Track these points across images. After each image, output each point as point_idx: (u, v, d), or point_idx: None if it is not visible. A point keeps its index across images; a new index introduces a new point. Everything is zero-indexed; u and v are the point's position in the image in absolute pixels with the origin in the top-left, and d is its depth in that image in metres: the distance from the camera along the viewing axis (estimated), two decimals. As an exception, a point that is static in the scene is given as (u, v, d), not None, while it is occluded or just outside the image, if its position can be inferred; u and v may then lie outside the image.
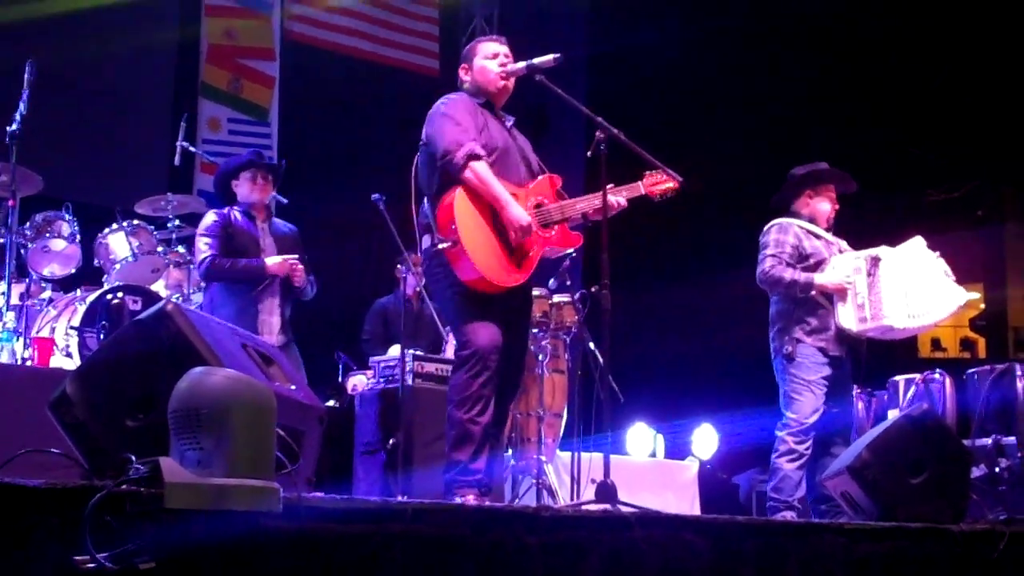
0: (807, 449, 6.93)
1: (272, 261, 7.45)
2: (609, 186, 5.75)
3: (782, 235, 7.17)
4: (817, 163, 7.43)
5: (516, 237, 5.62)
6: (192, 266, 8.41)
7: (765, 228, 7.27)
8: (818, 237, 7.23)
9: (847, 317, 6.98)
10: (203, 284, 7.98)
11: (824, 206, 7.30)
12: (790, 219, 7.27)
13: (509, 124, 6.02)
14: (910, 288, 6.97)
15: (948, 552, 5.39)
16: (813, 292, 7.03)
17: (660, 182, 6.10)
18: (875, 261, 6.98)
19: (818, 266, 7.11)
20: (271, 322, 7.45)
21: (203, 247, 7.46)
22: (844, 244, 7.32)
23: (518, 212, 5.61)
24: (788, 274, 7.03)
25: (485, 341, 5.61)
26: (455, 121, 5.71)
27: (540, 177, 5.97)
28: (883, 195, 19.99)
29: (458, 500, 5.36)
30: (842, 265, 7.08)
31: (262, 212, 7.71)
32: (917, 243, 7.12)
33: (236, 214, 7.60)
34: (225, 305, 7.38)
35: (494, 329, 5.66)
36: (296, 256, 7.54)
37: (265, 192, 7.70)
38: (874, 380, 9.89)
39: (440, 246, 5.55)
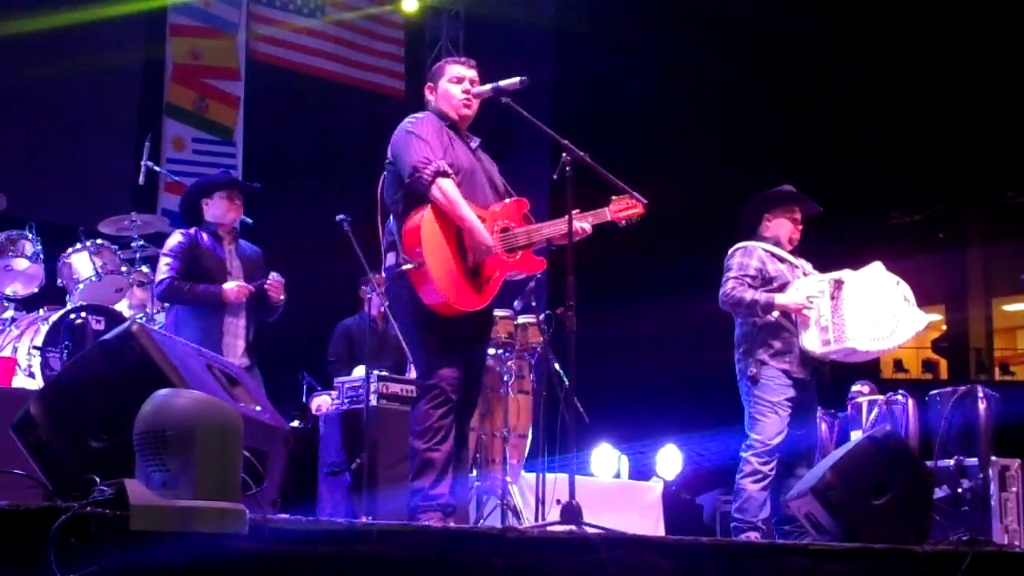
0: (771, 470, 6.95)
1: (229, 287, 7.31)
2: (575, 211, 5.77)
3: (746, 258, 7.19)
4: (779, 187, 7.46)
5: (475, 259, 5.61)
6: (156, 286, 8.37)
7: (730, 251, 7.29)
8: (782, 260, 7.24)
9: (810, 339, 7.00)
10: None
11: (783, 228, 7.31)
12: (755, 242, 7.29)
13: (475, 146, 6.01)
14: (872, 311, 7.00)
15: (911, 573, 5.41)
16: (775, 313, 7.05)
17: (626, 208, 6.09)
18: (838, 284, 7.00)
19: (782, 289, 7.13)
20: (236, 344, 7.36)
21: (163, 268, 7.34)
22: (809, 267, 7.34)
23: (482, 236, 5.61)
24: (749, 295, 7.05)
25: (447, 373, 5.61)
26: (422, 139, 5.67)
27: (508, 201, 5.94)
28: (846, 217, 20.12)
29: (424, 522, 5.35)
30: (805, 287, 7.10)
31: (230, 234, 7.62)
32: (877, 268, 7.15)
33: (203, 235, 7.49)
34: (189, 326, 7.26)
35: (457, 358, 5.66)
36: (258, 283, 7.45)
37: (238, 213, 7.64)
38: (837, 400, 9.95)
39: (405, 267, 5.53)
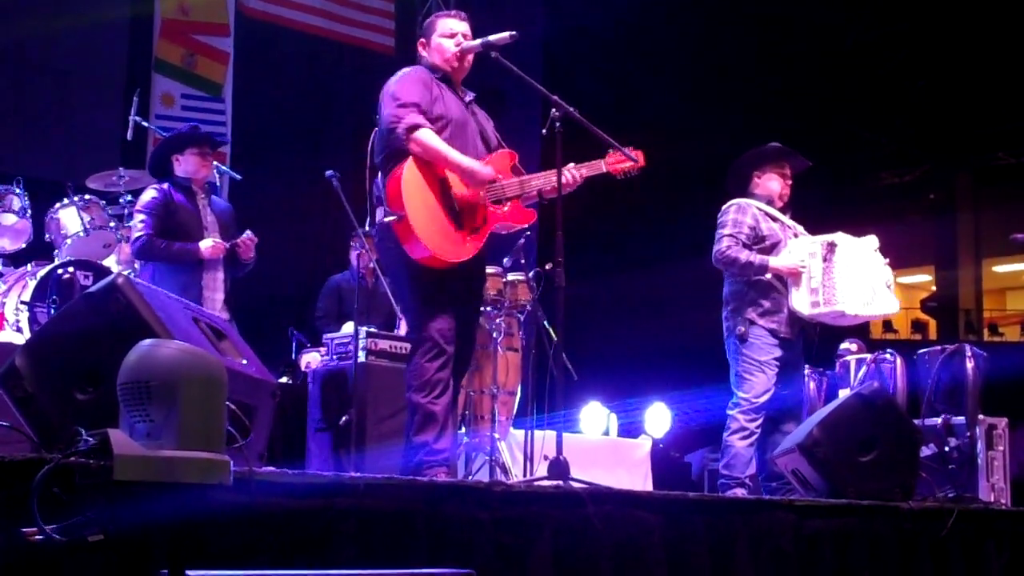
0: (758, 427, 6.98)
1: (205, 245, 7.27)
2: (571, 164, 5.75)
3: (740, 215, 7.18)
4: (768, 144, 7.45)
5: (466, 198, 5.60)
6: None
7: (723, 208, 7.28)
8: (775, 220, 7.25)
9: (800, 301, 7.02)
10: (138, 262, 7.86)
11: (774, 184, 7.31)
12: (749, 200, 7.28)
13: (468, 99, 5.99)
14: (862, 277, 7.02)
15: (897, 529, 5.45)
16: (768, 275, 7.05)
17: (623, 159, 6.07)
18: (831, 247, 7.01)
19: (773, 248, 7.14)
20: (215, 299, 7.32)
21: (139, 225, 7.28)
22: (800, 228, 7.34)
23: (476, 166, 5.62)
24: (744, 255, 7.05)
25: (440, 325, 5.60)
26: (395, 97, 5.66)
27: (494, 153, 5.94)
28: (837, 178, 20.13)
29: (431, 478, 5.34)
30: (798, 249, 7.11)
31: (202, 188, 7.55)
32: (872, 241, 7.16)
33: (176, 191, 7.41)
34: (167, 282, 7.15)
35: (448, 311, 5.65)
36: (234, 241, 7.42)
37: (210, 169, 7.59)
38: (826, 360, 9.97)
39: (387, 219, 5.51)
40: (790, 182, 7.37)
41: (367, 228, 6.25)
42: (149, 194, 7.39)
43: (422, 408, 5.57)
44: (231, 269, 7.49)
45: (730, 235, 7.13)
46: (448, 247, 5.57)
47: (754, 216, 7.18)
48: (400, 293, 6.04)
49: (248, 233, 7.47)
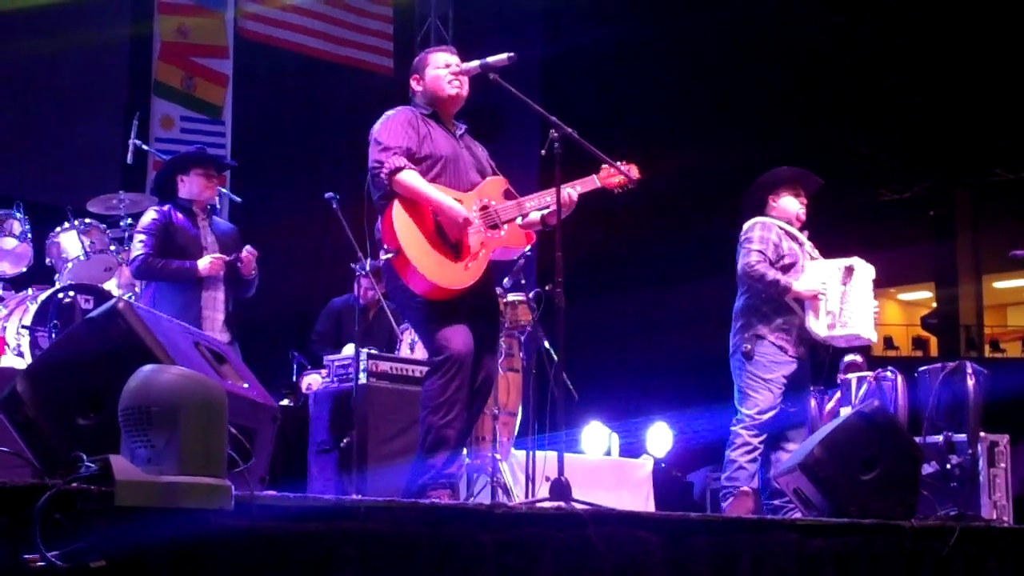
0: (761, 443, 7.01)
1: (203, 263, 7.29)
2: (564, 184, 5.77)
3: (766, 232, 7.22)
4: (779, 168, 7.49)
5: (454, 233, 5.61)
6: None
7: (748, 225, 7.30)
8: (794, 239, 7.29)
9: (816, 323, 7.04)
10: (137, 283, 7.87)
11: (791, 205, 7.36)
12: (770, 219, 7.32)
13: (460, 132, 6.02)
14: (871, 301, 7.09)
15: (899, 548, 5.44)
16: (788, 297, 7.08)
17: (616, 173, 6.08)
18: (849, 271, 7.07)
19: (791, 268, 7.18)
20: (215, 318, 7.34)
21: (138, 245, 7.31)
22: (815, 251, 7.38)
23: (454, 210, 5.61)
24: (772, 274, 7.09)
25: (459, 346, 5.59)
26: (378, 141, 5.73)
27: (485, 181, 5.94)
28: (835, 195, 20.12)
29: (433, 499, 5.33)
30: (815, 271, 7.14)
31: (204, 210, 7.58)
32: (873, 271, 7.21)
33: (177, 213, 7.45)
34: (167, 301, 7.21)
35: (465, 332, 5.64)
36: (233, 256, 7.43)
37: (214, 191, 7.62)
38: (829, 375, 9.98)
39: (384, 256, 5.56)
40: (805, 202, 7.40)
41: (371, 261, 6.27)
42: (149, 216, 7.42)
43: (435, 430, 5.56)
44: (236, 289, 7.51)
45: (759, 251, 7.15)
46: (447, 275, 5.58)
47: (777, 234, 7.23)
48: (416, 327, 6.06)
49: (248, 248, 7.48)
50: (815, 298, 7.05)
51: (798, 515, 6.36)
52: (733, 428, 7.08)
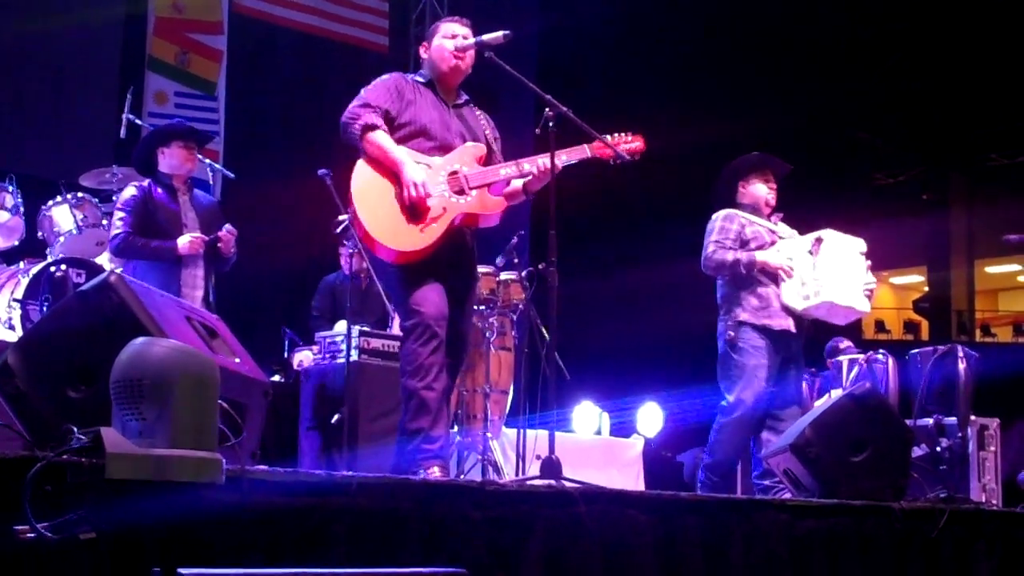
0: (744, 430, 7.02)
1: (183, 242, 7.28)
2: (544, 154, 5.76)
3: (727, 223, 7.25)
4: (749, 154, 7.49)
5: (409, 195, 5.58)
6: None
7: (712, 217, 7.32)
8: (760, 225, 7.29)
9: (791, 296, 7.04)
10: (116, 259, 7.84)
11: (760, 190, 7.36)
12: (735, 210, 7.33)
13: (460, 102, 6.01)
14: (846, 270, 7.04)
15: (888, 529, 5.45)
16: (756, 270, 7.08)
17: (623, 142, 6.05)
18: (818, 241, 7.06)
19: (758, 250, 7.17)
20: (194, 296, 7.31)
21: (117, 222, 7.32)
22: (788, 230, 7.37)
23: (412, 170, 5.60)
24: (731, 255, 7.10)
25: (430, 308, 5.58)
26: (362, 97, 5.77)
27: (460, 148, 5.90)
28: (830, 178, 20.14)
29: (422, 474, 5.33)
30: (787, 248, 7.14)
31: (184, 184, 7.57)
32: (859, 244, 7.18)
33: (157, 188, 7.44)
34: (146, 279, 7.13)
35: (439, 294, 5.64)
36: (213, 236, 7.42)
37: (195, 164, 7.60)
38: (817, 357, 10.01)
39: (340, 217, 5.58)
40: (775, 186, 7.40)
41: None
42: (129, 192, 7.41)
43: (417, 394, 5.54)
44: (214, 264, 7.50)
45: (716, 241, 7.19)
46: (399, 238, 5.56)
47: (740, 223, 7.23)
48: (390, 289, 6.02)
49: (227, 227, 7.47)
50: (782, 269, 7.06)
51: (788, 495, 6.39)
52: (718, 416, 7.11)
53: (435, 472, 5.40)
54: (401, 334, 5.78)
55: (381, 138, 5.65)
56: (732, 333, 7.09)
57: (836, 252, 7.03)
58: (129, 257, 7.39)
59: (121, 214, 7.32)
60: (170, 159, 7.45)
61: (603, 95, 14.70)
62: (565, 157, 5.88)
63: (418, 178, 5.58)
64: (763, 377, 7.01)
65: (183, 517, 3.01)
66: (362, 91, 5.81)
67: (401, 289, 5.70)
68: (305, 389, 7.84)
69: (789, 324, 7.08)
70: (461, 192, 5.73)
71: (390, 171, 5.63)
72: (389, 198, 5.61)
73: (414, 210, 5.60)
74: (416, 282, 5.61)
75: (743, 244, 7.19)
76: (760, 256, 7.09)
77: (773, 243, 7.20)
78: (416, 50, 6.11)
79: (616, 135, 6.05)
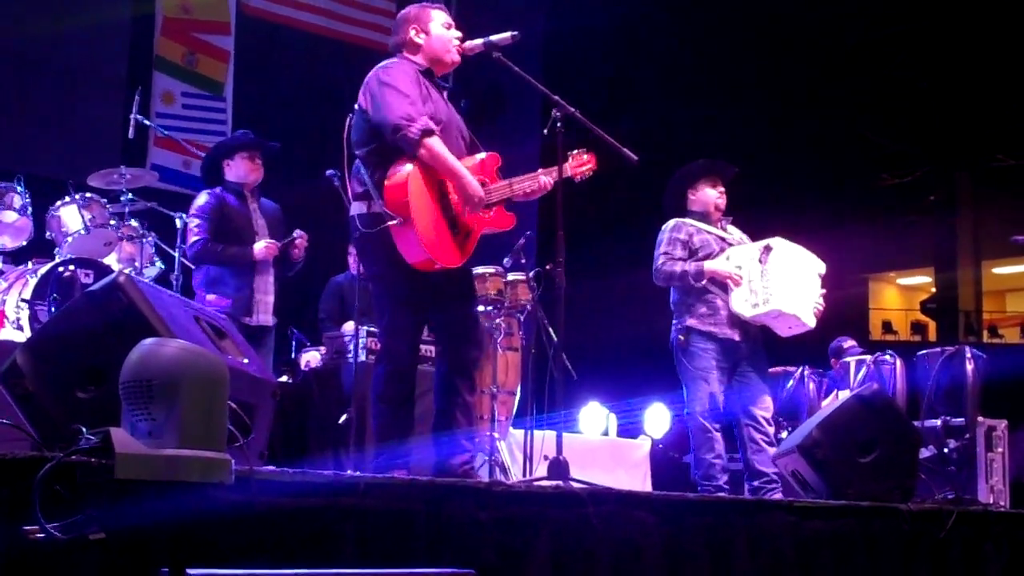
0: (717, 430, 7.06)
1: (258, 248, 7.48)
2: (540, 170, 5.78)
3: (675, 233, 7.31)
4: (695, 161, 7.51)
5: (470, 209, 5.52)
6: (145, 240, 8.38)
7: (661, 229, 7.37)
8: (709, 232, 7.33)
9: (739, 303, 7.07)
10: (193, 265, 7.89)
11: (709, 195, 7.40)
12: (683, 218, 7.38)
13: (446, 94, 5.96)
14: (795, 280, 7.04)
15: (896, 531, 5.45)
16: (704, 281, 7.10)
17: (580, 164, 6.02)
18: (767, 249, 7.09)
19: (707, 258, 7.20)
20: (267, 301, 7.56)
21: (194, 228, 7.48)
22: (738, 235, 7.40)
23: (475, 187, 5.49)
24: (679, 266, 7.18)
25: (401, 340, 5.59)
26: (401, 92, 5.52)
27: (483, 156, 5.84)
28: (837, 179, 20.13)
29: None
30: (736, 255, 7.17)
31: (253, 193, 7.75)
32: (818, 265, 7.21)
33: (228, 195, 7.61)
34: (222, 285, 7.44)
35: (412, 327, 5.65)
36: (287, 240, 7.64)
37: (260, 173, 7.71)
38: (822, 358, 10.00)
39: (390, 223, 5.41)
40: (723, 191, 7.43)
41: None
42: (203, 198, 7.55)
43: (383, 416, 5.56)
44: (280, 270, 7.61)
45: (664, 252, 7.27)
46: (445, 253, 5.48)
47: (687, 232, 7.30)
48: (377, 290, 5.91)
49: (299, 232, 7.66)
50: (729, 278, 7.09)
51: (778, 495, 6.42)
52: (689, 425, 7.14)
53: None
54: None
55: (439, 146, 5.44)
56: (682, 337, 7.17)
57: (785, 261, 7.07)
58: (207, 263, 7.52)
59: (197, 220, 7.45)
60: (236, 170, 7.63)
61: (607, 97, 14.69)
62: (553, 176, 5.81)
63: (479, 194, 5.52)
64: (715, 379, 7.07)
65: (192, 517, 3.01)
66: (393, 82, 5.56)
67: (382, 304, 5.69)
68: (312, 390, 7.84)
69: (734, 334, 7.12)
70: (487, 207, 5.69)
71: (439, 182, 5.51)
72: (437, 206, 5.50)
73: (455, 223, 5.55)
74: (404, 300, 5.59)
75: (692, 253, 7.25)
76: (708, 265, 7.15)
77: (723, 250, 7.23)
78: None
79: (575, 153, 6.02)
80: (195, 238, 7.46)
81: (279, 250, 7.58)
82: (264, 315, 7.49)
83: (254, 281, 7.51)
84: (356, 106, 5.71)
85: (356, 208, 5.64)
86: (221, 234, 7.47)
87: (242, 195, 7.65)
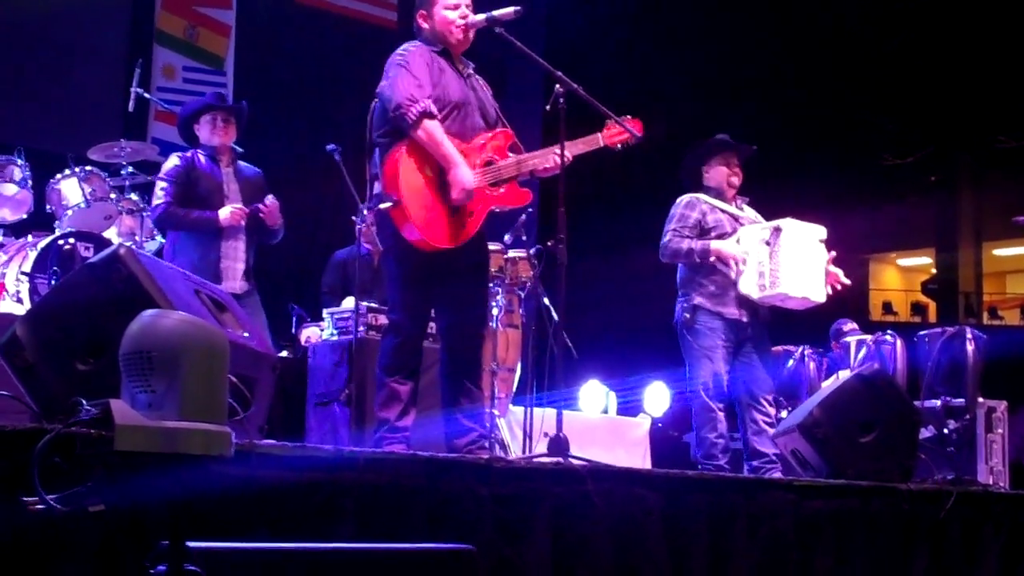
0: (721, 410, 7.05)
1: (223, 213, 7.26)
2: (566, 143, 5.73)
3: (688, 210, 7.27)
4: (713, 137, 7.48)
5: (459, 199, 5.52)
6: (146, 213, 8.33)
7: (675, 203, 7.32)
8: (723, 211, 7.28)
9: (747, 284, 7.05)
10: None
11: (721, 174, 7.36)
12: (698, 194, 7.34)
13: (468, 73, 5.92)
14: (803, 261, 7.03)
15: (896, 510, 5.46)
16: (712, 259, 7.08)
17: (620, 132, 6.03)
18: (776, 231, 7.05)
19: (720, 238, 7.17)
20: (235, 268, 7.33)
21: (159, 192, 7.30)
22: (753, 215, 7.37)
23: (465, 174, 5.50)
24: (685, 244, 7.14)
25: (409, 315, 5.61)
26: (412, 75, 5.55)
27: (493, 132, 5.84)
28: (838, 159, 20.11)
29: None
30: (746, 236, 7.14)
31: (226, 155, 7.53)
32: (819, 231, 7.17)
33: (200, 157, 7.42)
34: (187, 251, 7.24)
35: (421, 303, 5.67)
36: (254, 206, 7.42)
37: (227, 136, 7.54)
38: (822, 338, 10.00)
39: (383, 206, 5.46)
40: (737, 170, 7.39)
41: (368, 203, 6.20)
42: (172, 161, 7.42)
43: (386, 386, 5.59)
44: (259, 236, 7.51)
45: (673, 229, 7.23)
46: (440, 233, 5.49)
47: (701, 210, 7.25)
48: (386, 268, 5.97)
49: (269, 197, 7.46)
50: (736, 259, 7.06)
51: (777, 475, 6.42)
52: (693, 405, 7.13)
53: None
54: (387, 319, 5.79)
55: (436, 130, 5.47)
56: (688, 315, 7.14)
57: (794, 243, 7.04)
58: (170, 228, 7.40)
59: (163, 184, 7.30)
60: (203, 132, 7.47)
61: (612, 74, 14.65)
62: (582, 147, 5.87)
63: (469, 184, 5.50)
64: (720, 358, 7.05)
65: (191, 490, 3.00)
66: (407, 65, 5.58)
67: (393, 279, 5.72)
68: (313, 365, 7.82)
69: (742, 315, 7.10)
70: (495, 185, 5.69)
71: (434, 161, 5.52)
72: (432, 186, 5.51)
73: (456, 205, 5.54)
74: (411, 277, 5.61)
75: (704, 232, 7.21)
76: (715, 245, 7.12)
77: (735, 231, 7.20)
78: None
79: (612, 123, 6.01)
80: (158, 202, 7.28)
81: (247, 216, 7.36)
82: (233, 281, 7.27)
83: (221, 248, 7.30)
84: (378, 90, 5.71)
85: (372, 190, 5.77)
86: (188, 199, 7.28)
87: (215, 159, 7.46)
